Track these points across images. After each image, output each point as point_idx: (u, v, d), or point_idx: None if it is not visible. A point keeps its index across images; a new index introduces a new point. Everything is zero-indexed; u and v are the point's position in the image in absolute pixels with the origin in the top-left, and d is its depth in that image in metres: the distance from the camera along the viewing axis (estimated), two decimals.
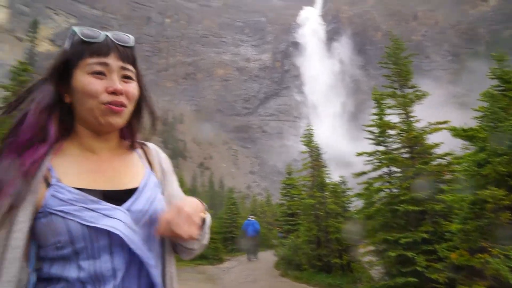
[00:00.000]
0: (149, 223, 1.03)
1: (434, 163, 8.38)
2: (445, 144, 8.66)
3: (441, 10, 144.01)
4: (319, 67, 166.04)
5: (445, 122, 7.85)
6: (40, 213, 0.92)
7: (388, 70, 9.95)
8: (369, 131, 9.64)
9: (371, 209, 8.05)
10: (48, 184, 0.95)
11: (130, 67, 1.06)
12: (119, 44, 1.05)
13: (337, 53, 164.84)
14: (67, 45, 1.04)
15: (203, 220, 1.08)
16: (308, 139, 12.35)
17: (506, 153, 4.61)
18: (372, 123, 9.65)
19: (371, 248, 8.17)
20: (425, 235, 6.90)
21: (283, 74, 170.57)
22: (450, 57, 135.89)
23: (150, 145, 1.24)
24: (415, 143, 8.71)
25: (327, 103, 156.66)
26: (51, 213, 0.91)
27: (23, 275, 0.88)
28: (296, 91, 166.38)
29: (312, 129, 12.56)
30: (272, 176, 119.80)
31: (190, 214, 0.99)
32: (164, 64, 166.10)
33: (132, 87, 1.06)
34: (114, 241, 0.95)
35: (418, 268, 6.38)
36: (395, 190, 8.11)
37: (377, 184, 8.88)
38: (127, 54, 1.06)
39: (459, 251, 5.54)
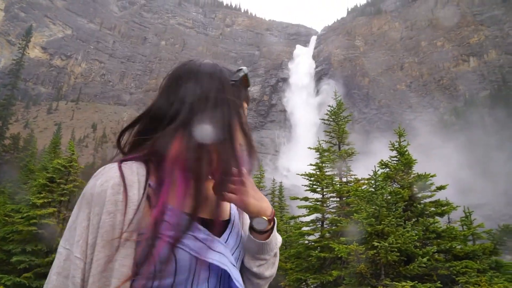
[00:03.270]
0: (237, 260, 0.96)
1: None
2: None
3: (428, 64, 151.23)
4: (306, 105, 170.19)
5: (360, 180, 8.95)
6: (140, 235, 0.78)
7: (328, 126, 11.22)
8: (307, 179, 10.71)
9: (291, 250, 8.98)
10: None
11: None
12: None
13: (324, 93, 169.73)
14: (233, 79, 0.98)
15: (274, 221, 1.00)
16: (258, 180, 13.32)
17: (373, 215, 5.67)
18: (309, 171, 10.77)
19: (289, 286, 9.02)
20: (329, 278, 7.83)
21: (269, 107, 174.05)
22: (431, 109, 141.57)
23: None
24: (341, 195, 9.81)
25: (308, 140, 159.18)
26: (157, 237, 0.78)
27: None
28: (280, 125, 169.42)
29: (262, 171, 13.58)
30: None
31: (259, 191, 0.95)
32: (153, 84, 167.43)
33: None
34: (212, 275, 0.88)
35: None
36: (313, 237, 9.10)
37: (305, 228, 9.87)
38: None
39: None
